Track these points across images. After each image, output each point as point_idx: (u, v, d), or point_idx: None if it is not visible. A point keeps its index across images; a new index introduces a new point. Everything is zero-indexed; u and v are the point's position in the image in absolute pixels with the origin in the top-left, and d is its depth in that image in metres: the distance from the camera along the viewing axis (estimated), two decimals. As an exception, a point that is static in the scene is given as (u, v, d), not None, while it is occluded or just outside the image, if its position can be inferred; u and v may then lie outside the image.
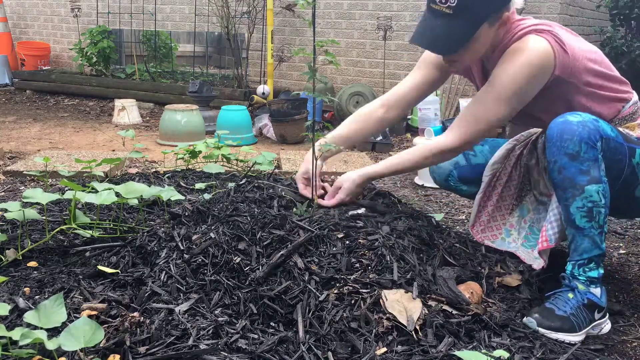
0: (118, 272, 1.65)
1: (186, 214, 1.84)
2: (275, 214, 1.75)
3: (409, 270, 1.59)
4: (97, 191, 1.93)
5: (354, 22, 6.01)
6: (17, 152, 4.15)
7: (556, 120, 1.67)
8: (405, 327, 1.42)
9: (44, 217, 2.06)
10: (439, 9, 1.66)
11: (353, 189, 1.84)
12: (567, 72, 1.70)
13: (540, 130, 2.04)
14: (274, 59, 5.96)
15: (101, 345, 1.29)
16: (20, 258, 1.83)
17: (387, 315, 1.44)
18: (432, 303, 1.51)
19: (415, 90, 1.99)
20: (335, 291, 1.49)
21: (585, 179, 1.63)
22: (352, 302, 1.47)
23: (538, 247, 1.83)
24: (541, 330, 1.59)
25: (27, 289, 1.60)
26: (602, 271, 1.69)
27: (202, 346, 1.32)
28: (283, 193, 1.90)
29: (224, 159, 2.81)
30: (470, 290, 1.61)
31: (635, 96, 1.87)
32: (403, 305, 1.47)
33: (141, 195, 1.94)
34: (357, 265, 1.58)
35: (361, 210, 1.80)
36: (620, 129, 1.79)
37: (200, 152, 2.81)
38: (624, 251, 2.42)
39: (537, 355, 1.43)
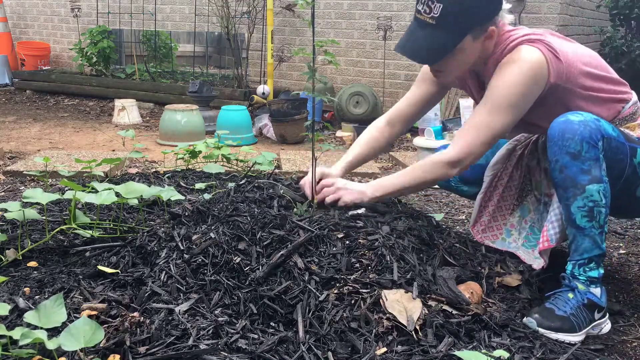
0: (118, 272, 1.65)
1: (186, 214, 1.84)
2: (275, 214, 1.75)
3: (409, 270, 1.59)
4: (97, 191, 1.93)
5: (354, 22, 6.01)
6: (17, 152, 4.15)
7: (558, 119, 1.67)
8: (405, 327, 1.42)
9: (44, 217, 2.06)
10: (423, 19, 1.72)
11: (358, 201, 1.83)
12: (563, 78, 1.71)
13: (540, 130, 2.05)
14: (274, 59, 5.96)
15: (101, 345, 1.29)
16: (20, 258, 1.83)
17: (387, 315, 1.44)
18: (432, 303, 1.51)
19: (415, 106, 2.06)
20: (335, 291, 1.49)
21: (587, 178, 1.63)
22: (352, 302, 1.47)
23: (539, 247, 1.83)
24: (541, 330, 1.59)
25: (27, 289, 1.60)
26: (602, 271, 1.69)
27: (202, 346, 1.32)
28: (283, 193, 1.90)
29: (224, 159, 2.81)
30: (470, 290, 1.61)
31: (634, 96, 1.87)
32: (403, 305, 1.47)
33: (141, 195, 1.94)
34: (357, 265, 1.58)
35: (361, 210, 1.80)
36: (621, 128, 1.79)
37: (200, 152, 2.81)
38: (624, 251, 2.42)
39: (537, 355, 1.43)
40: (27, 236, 1.97)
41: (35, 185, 3.15)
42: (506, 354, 1.32)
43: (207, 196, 2.08)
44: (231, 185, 2.11)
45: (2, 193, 2.97)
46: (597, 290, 1.68)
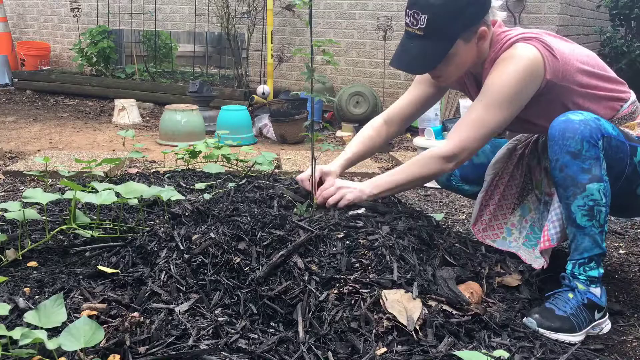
0: (118, 272, 1.65)
1: (186, 214, 1.84)
2: (275, 214, 1.75)
3: (409, 270, 1.59)
4: (97, 191, 1.93)
5: (354, 22, 6.01)
6: (17, 152, 4.15)
7: (558, 118, 1.67)
8: (405, 327, 1.42)
9: (44, 217, 2.06)
10: (412, 31, 1.74)
11: (358, 200, 1.84)
12: (559, 75, 1.71)
13: (540, 130, 2.05)
14: (273, 59, 5.96)
15: (101, 345, 1.29)
16: (20, 258, 1.83)
17: (387, 315, 1.44)
18: (432, 303, 1.51)
19: (413, 106, 2.06)
20: (335, 291, 1.49)
21: (587, 177, 1.63)
22: (352, 302, 1.47)
23: (540, 246, 1.83)
24: (541, 330, 1.59)
25: (27, 289, 1.60)
26: (602, 271, 1.69)
27: (202, 346, 1.32)
28: (283, 193, 1.90)
29: (224, 159, 2.82)
30: (470, 290, 1.61)
31: (633, 95, 1.87)
32: (403, 305, 1.46)
33: (141, 195, 1.94)
34: (357, 265, 1.58)
35: (361, 210, 1.80)
36: (621, 128, 1.79)
37: (200, 152, 2.81)
38: (624, 251, 2.42)
39: (537, 355, 1.43)
40: (27, 236, 1.97)
41: (35, 185, 3.15)
42: (506, 354, 1.32)
43: (207, 196, 2.08)
44: (231, 185, 2.11)
45: (2, 193, 2.97)
46: (597, 290, 1.68)
